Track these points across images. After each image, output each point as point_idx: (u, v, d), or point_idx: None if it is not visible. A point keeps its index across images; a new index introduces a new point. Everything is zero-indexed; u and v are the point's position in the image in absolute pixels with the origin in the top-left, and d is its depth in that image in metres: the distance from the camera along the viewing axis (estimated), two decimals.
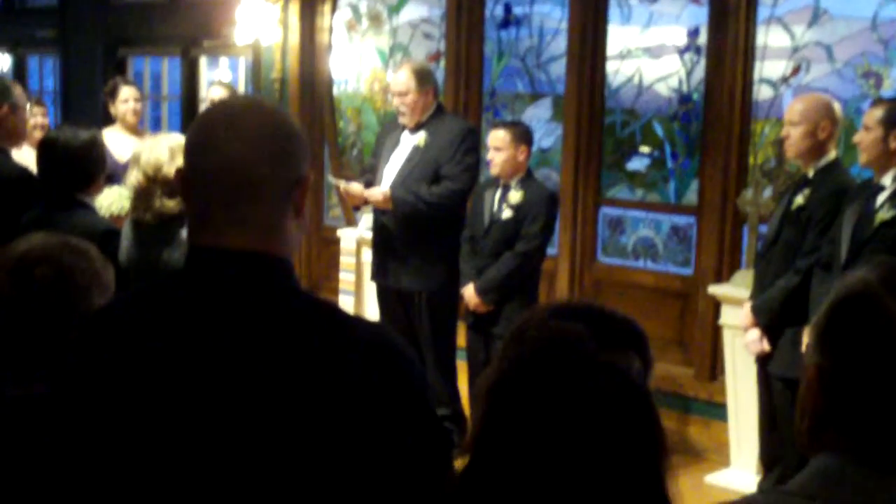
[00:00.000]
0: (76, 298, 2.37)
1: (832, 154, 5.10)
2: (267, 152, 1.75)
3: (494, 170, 5.96)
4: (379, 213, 6.21)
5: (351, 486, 1.66)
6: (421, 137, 6.09)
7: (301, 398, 1.66)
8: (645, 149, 7.14)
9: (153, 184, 4.12)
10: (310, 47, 8.85)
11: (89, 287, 2.40)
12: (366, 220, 7.44)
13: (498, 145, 5.91)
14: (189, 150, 1.81)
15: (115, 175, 5.87)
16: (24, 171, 4.92)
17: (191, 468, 1.67)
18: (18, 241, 2.46)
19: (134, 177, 4.15)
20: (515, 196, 5.90)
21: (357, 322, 1.78)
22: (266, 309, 1.72)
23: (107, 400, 1.74)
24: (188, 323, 1.74)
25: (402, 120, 6.14)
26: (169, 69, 10.76)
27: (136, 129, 7.49)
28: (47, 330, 2.35)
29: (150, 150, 4.15)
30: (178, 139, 4.18)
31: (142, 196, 4.17)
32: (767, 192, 6.15)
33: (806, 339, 4.60)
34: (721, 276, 6.54)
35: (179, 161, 4.05)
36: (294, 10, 8.82)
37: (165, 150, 4.12)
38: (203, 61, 10.23)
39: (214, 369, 1.69)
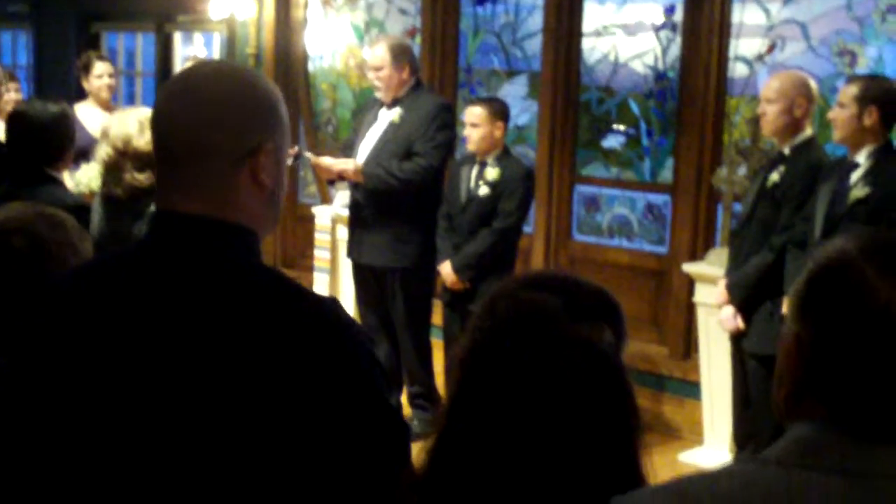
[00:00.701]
0: (52, 269, 2.34)
1: (808, 132, 5.10)
2: (215, 117, 1.73)
3: (471, 146, 5.94)
4: (354, 189, 6.18)
5: (289, 468, 1.63)
6: (396, 113, 6.06)
7: (235, 369, 1.62)
8: (620, 126, 7.13)
9: (123, 157, 4.08)
10: (285, 23, 8.79)
11: (65, 258, 2.38)
12: (341, 196, 7.40)
13: (474, 121, 5.89)
14: (152, 117, 1.81)
15: (88, 150, 5.81)
16: None
17: (130, 440, 1.65)
18: None
19: (104, 150, 4.11)
20: (492, 173, 5.88)
21: (304, 294, 1.74)
22: (205, 275, 1.70)
23: (52, 371, 1.73)
24: (132, 289, 1.72)
25: (379, 95, 6.13)
26: (143, 45, 10.68)
27: (110, 105, 7.45)
28: (21, 301, 2.32)
29: (119, 124, 4.11)
30: (146, 112, 4.14)
31: (112, 170, 4.13)
32: (742, 171, 6.15)
33: (784, 309, 4.61)
34: (695, 255, 6.54)
35: (148, 135, 4.02)
36: None
37: (135, 123, 4.07)
38: (177, 37, 10.16)
39: (147, 339, 1.67)
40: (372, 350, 1.75)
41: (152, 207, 4.05)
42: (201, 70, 1.82)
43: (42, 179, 4.27)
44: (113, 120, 4.19)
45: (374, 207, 6.02)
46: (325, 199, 8.36)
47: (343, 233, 6.81)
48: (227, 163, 1.74)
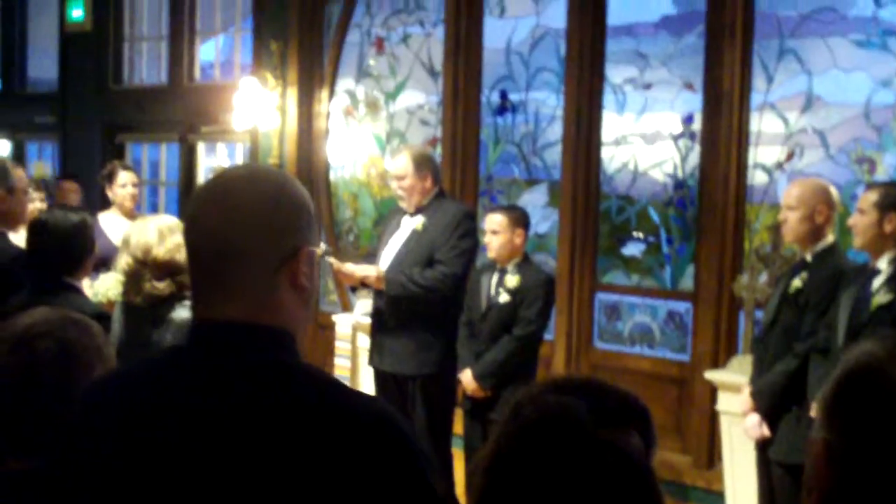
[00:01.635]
0: (78, 373, 2.34)
1: (829, 238, 5.08)
2: (253, 223, 1.73)
3: (491, 253, 5.94)
4: (376, 296, 6.17)
5: None
6: (419, 221, 6.07)
7: (291, 476, 1.61)
8: (640, 234, 7.14)
9: (143, 266, 4.10)
10: (307, 133, 8.90)
11: (91, 362, 2.38)
12: (362, 304, 7.40)
13: (495, 229, 5.90)
14: (184, 221, 1.82)
15: (109, 259, 5.84)
16: (20, 253, 4.89)
17: None
18: (20, 315, 2.44)
19: (124, 259, 4.13)
20: (512, 280, 5.87)
21: (354, 395, 1.73)
22: (255, 380, 1.69)
23: (99, 474, 1.72)
24: (177, 398, 1.71)
25: (402, 204, 6.14)
26: (167, 155, 10.81)
27: (133, 214, 7.48)
28: (49, 404, 2.32)
29: (139, 233, 4.13)
30: (166, 221, 4.17)
31: (132, 278, 4.15)
32: (763, 278, 6.14)
33: (812, 415, 4.57)
34: (717, 362, 6.49)
35: (168, 243, 4.04)
36: (292, 96, 8.89)
37: (154, 232, 4.10)
38: (201, 147, 10.28)
39: (202, 444, 1.66)
40: (423, 447, 1.73)
41: (172, 314, 4.06)
42: (236, 175, 1.82)
43: (62, 288, 4.28)
44: (133, 229, 4.21)
45: (397, 314, 6.00)
46: (346, 307, 8.36)
47: (363, 341, 6.80)
48: (267, 268, 1.74)
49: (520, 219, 5.97)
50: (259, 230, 1.73)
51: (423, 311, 5.94)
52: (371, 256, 6.37)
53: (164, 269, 4.04)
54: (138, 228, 4.19)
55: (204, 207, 1.76)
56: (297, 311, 1.78)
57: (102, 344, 2.48)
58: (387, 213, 6.78)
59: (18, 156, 12.18)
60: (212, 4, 10.18)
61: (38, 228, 4.42)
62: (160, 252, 4.05)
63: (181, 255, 3.99)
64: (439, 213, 6.06)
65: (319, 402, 1.68)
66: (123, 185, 7.44)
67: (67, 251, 4.32)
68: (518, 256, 5.94)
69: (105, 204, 7.67)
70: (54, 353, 2.36)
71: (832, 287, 4.97)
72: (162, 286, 4.10)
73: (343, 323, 7.84)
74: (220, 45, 10.56)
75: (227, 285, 1.74)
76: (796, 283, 5.12)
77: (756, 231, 6.55)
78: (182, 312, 4.05)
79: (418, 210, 6.09)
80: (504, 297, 5.88)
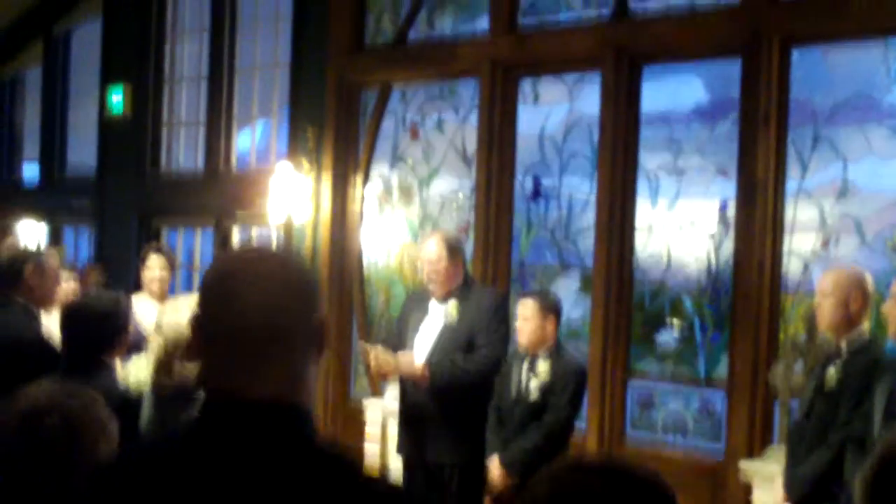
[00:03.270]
0: (83, 449, 2.33)
1: (864, 326, 5.02)
2: (289, 300, 1.75)
3: (522, 340, 5.89)
4: (407, 383, 6.10)
5: None
6: (452, 307, 6.02)
7: None
8: (674, 322, 7.08)
9: (174, 348, 4.10)
10: (341, 219, 8.94)
11: (97, 437, 2.37)
12: (391, 391, 7.36)
13: (526, 315, 5.86)
14: (208, 300, 1.80)
15: (139, 342, 5.84)
16: (39, 337, 4.93)
17: None
18: (26, 391, 2.44)
19: (156, 341, 4.13)
20: (543, 367, 5.82)
21: (378, 481, 1.77)
22: (289, 465, 1.69)
23: None
24: (211, 477, 1.69)
25: (432, 288, 6.08)
26: (202, 240, 10.88)
27: (164, 297, 7.49)
28: (54, 479, 2.30)
29: (170, 315, 4.15)
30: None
31: (164, 361, 4.16)
32: (798, 367, 6.06)
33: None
34: (752, 453, 6.40)
35: None
36: (327, 182, 8.96)
37: (186, 313, 4.10)
38: (235, 233, 10.34)
39: None
40: None
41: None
42: (260, 255, 1.83)
43: (96, 367, 4.29)
44: (165, 311, 4.24)
45: (433, 402, 5.93)
46: (376, 392, 8.32)
47: (393, 427, 6.73)
48: (304, 344, 1.77)
49: (551, 306, 5.92)
50: (299, 307, 1.77)
51: (456, 398, 5.88)
52: (392, 343, 6.30)
53: None
54: (170, 310, 4.21)
55: (235, 286, 1.76)
56: (313, 384, 1.82)
57: (106, 419, 2.48)
58: (407, 299, 6.72)
59: (55, 240, 12.30)
60: (250, 92, 10.31)
61: (72, 308, 4.46)
62: None
63: None
64: (473, 297, 6.03)
65: (349, 488, 1.69)
66: (151, 268, 7.46)
67: (102, 331, 4.34)
68: (549, 344, 5.88)
69: (140, 287, 7.70)
70: (60, 429, 2.36)
71: (867, 377, 4.89)
72: (192, 367, 4.10)
73: (373, 408, 7.80)
74: (257, 132, 10.67)
75: (261, 364, 1.74)
76: (831, 372, 5.04)
77: (791, 320, 6.49)
78: None
79: (447, 295, 6.05)
80: (535, 384, 5.82)
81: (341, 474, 1.71)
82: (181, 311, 4.13)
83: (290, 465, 1.68)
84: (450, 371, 5.84)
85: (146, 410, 4.22)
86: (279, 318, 1.74)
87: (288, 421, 1.73)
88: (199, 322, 1.80)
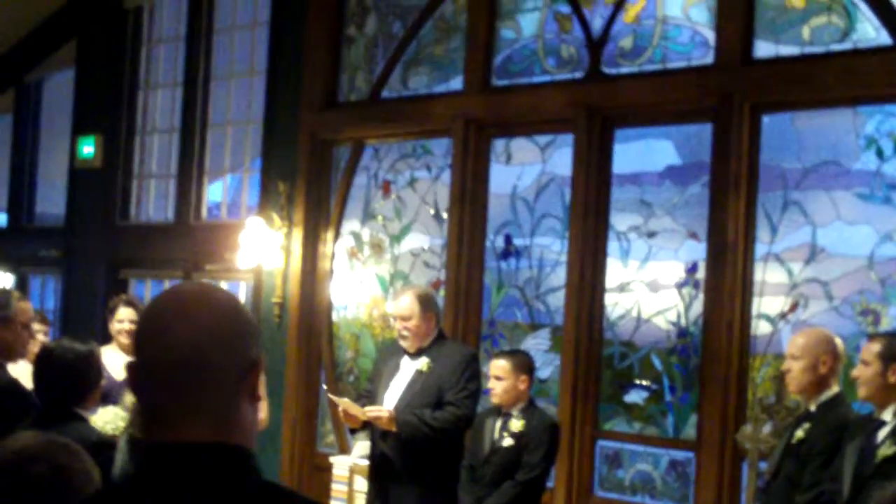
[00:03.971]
0: (71, 497, 2.31)
1: (834, 388, 5.07)
2: (218, 338, 1.72)
3: (495, 399, 5.91)
4: (378, 439, 6.08)
5: None
6: (424, 362, 6.03)
7: None
8: (643, 382, 7.12)
9: None
10: (311, 273, 8.95)
11: (84, 487, 2.36)
12: (360, 447, 7.33)
13: (499, 374, 5.89)
14: (139, 339, 1.77)
15: (110, 393, 5.81)
16: (12, 383, 4.87)
17: None
18: (10, 439, 2.42)
19: (129, 393, 4.10)
20: (517, 424, 5.84)
21: None
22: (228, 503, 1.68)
23: None
24: None
25: (404, 344, 6.09)
26: None
27: (132, 349, 7.45)
28: None
29: None
30: None
31: (135, 412, 4.13)
32: (767, 428, 6.09)
33: None
34: None
35: None
36: (297, 236, 8.97)
37: None
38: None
39: None
40: None
41: None
42: (192, 290, 1.82)
43: (69, 417, 4.26)
44: None
45: (402, 458, 5.91)
46: (343, 449, 8.28)
47: (360, 484, 6.70)
48: (231, 381, 1.74)
49: (524, 364, 5.96)
50: (227, 343, 1.73)
51: (427, 455, 5.87)
52: (365, 398, 6.29)
53: None
54: None
55: (167, 322, 1.73)
56: (251, 424, 1.78)
57: (91, 470, 2.47)
58: (379, 353, 6.74)
59: (21, 289, 12.19)
60: (222, 145, 10.33)
61: (45, 358, 4.42)
62: None
63: None
64: (444, 353, 6.03)
65: None
66: (121, 320, 7.41)
67: (75, 381, 4.31)
68: (523, 401, 5.92)
69: (107, 339, 7.65)
70: (48, 479, 2.34)
71: (836, 438, 4.94)
72: None
73: (340, 465, 7.76)
74: (228, 184, 10.68)
75: (193, 402, 1.71)
76: (799, 433, 5.09)
77: (759, 381, 6.54)
78: None
79: (420, 351, 6.06)
80: (508, 442, 5.84)
81: None
82: None
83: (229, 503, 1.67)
84: (415, 425, 5.83)
85: (118, 461, 4.19)
86: (202, 359, 1.71)
87: (223, 460, 1.70)
88: (135, 364, 1.77)
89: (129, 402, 4.15)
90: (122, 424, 6.03)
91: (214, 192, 10.76)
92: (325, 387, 6.94)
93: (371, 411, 5.93)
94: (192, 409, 1.71)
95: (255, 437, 1.81)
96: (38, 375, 4.47)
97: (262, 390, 1.82)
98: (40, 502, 2.34)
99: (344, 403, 6.08)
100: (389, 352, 6.37)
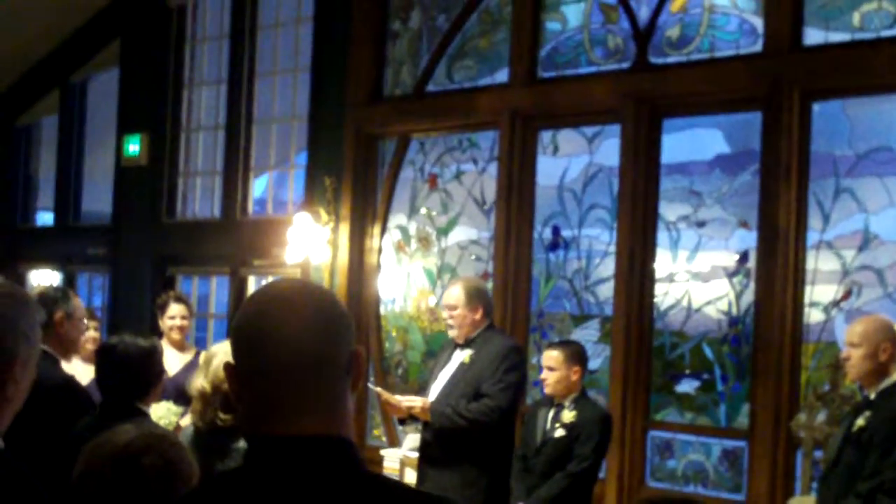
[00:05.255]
0: (180, 489, 2.35)
1: (894, 376, 5.03)
2: (327, 333, 1.75)
3: (548, 389, 5.92)
4: (424, 429, 6.11)
5: None
6: (467, 354, 6.03)
7: None
8: (694, 371, 7.10)
9: (215, 394, 4.08)
10: (358, 267, 8.98)
11: (190, 478, 2.39)
12: (411, 440, 7.35)
13: (551, 365, 5.88)
14: (244, 338, 1.78)
15: (164, 389, 5.85)
16: (69, 380, 4.90)
17: None
18: (113, 432, 2.45)
19: (200, 381, 4.11)
20: (568, 415, 5.84)
21: (435, 499, 1.81)
22: (349, 494, 1.70)
23: None
24: None
25: (451, 334, 6.09)
26: (217, 288, 10.90)
27: (183, 345, 7.50)
28: None
29: (220, 360, 4.11)
30: None
31: (200, 402, 4.14)
32: (821, 417, 6.07)
33: None
34: (774, 503, 6.38)
35: None
36: (344, 231, 9.00)
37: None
38: (251, 280, 10.37)
39: None
40: None
41: (239, 444, 4.04)
42: (296, 286, 1.83)
43: (131, 413, 4.28)
44: (218, 353, 4.18)
45: (443, 448, 5.91)
46: (393, 441, 8.31)
47: (411, 476, 6.72)
48: (341, 376, 1.77)
49: (577, 355, 5.95)
50: (335, 337, 1.76)
51: (469, 445, 5.88)
52: (423, 390, 6.34)
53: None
54: (222, 354, 4.16)
55: (279, 320, 1.74)
56: (351, 416, 1.81)
57: (193, 461, 2.50)
58: (439, 348, 6.77)
59: (68, 287, 12.30)
60: (266, 141, 10.39)
61: (108, 353, 4.45)
62: None
63: None
64: (487, 346, 6.03)
65: None
66: (172, 316, 7.46)
67: (138, 376, 4.34)
68: (575, 392, 5.91)
69: (156, 334, 7.70)
70: (160, 469, 2.38)
71: None
72: (226, 418, 4.07)
73: (391, 458, 7.79)
74: (273, 180, 10.74)
75: (310, 397, 1.74)
76: (860, 422, 5.05)
77: (813, 369, 6.51)
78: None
79: (468, 342, 6.07)
80: (560, 433, 5.84)
81: (406, 499, 1.74)
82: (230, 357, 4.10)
83: (347, 496, 1.70)
84: (448, 416, 5.83)
85: None
86: (316, 353, 1.74)
87: (337, 453, 1.73)
88: (234, 367, 1.79)
89: (196, 387, 4.14)
90: (174, 419, 6.07)
91: (260, 188, 10.82)
92: (371, 379, 6.97)
93: (406, 400, 5.96)
94: (309, 404, 1.74)
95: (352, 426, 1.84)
96: (100, 370, 4.50)
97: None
98: (153, 492, 2.37)
99: (383, 394, 6.11)
100: (445, 345, 6.39)
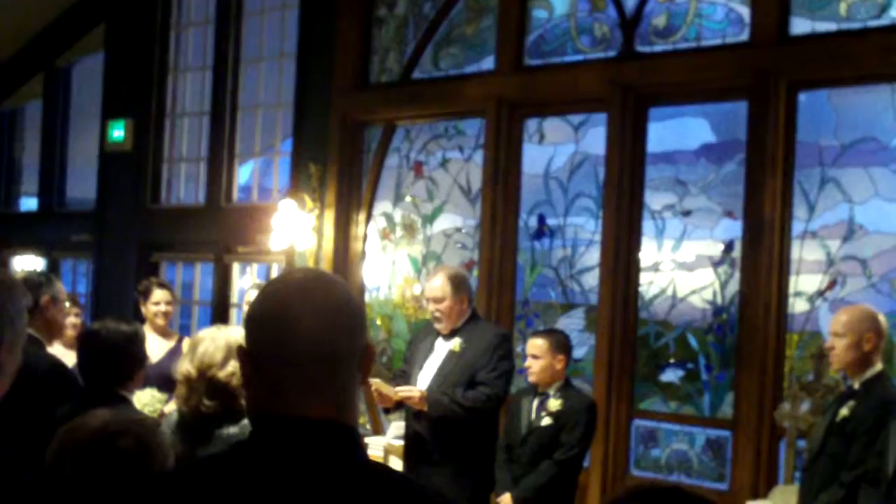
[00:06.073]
0: (154, 470, 2.34)
1: (878, 366, 5.04)
2: (341, 325, 1.79)
3: (532, 378, 5.91)
4: (412, 420, 6.09)
5: None
6: (456, 343, 6.02)
7: None
8: (679, 361, 7.11)
9: (199, 380, 4.06)
10: (343, 254, 8.96)
11: (164, 461, 2.39)
12: (395, 427, 7.34)
13: (536, 353, 5.88)
14: (260, 324, 1.82)
15: (147, 375, 5.83)
16: (56, 364, 4.88)
17: None
18: (88, 416, 2.45)
19: (185, 366, 4.09)
20: (554, 404, 5.83)
21: (427, 492, 1.83)
22: (344, 479, 1.73)
23: None
24: (268, 494, 1.72)
25: (437, 326, 6.08)
26: (201, 274, 10.87)
27: (166, 331, 7.48)
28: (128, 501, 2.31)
29: (206, 347, 4.09)
30: (237, 339, 4.09)
31: (185, 387, 4.12)
32: (805, 406, 6.08)
33: None
34: (758, 493, 6.40)
35: (231, 366, 4.00)
36: (329, 218, 8.98)
37: (223, 350, 4.04)
38: (235, 267, 10.34)
39: None
40: None
41: (220, 430, 4.02)
42: (306, 276, 1.87)
43: (113, 399, 4.26)
44: (206, 338, 4.16)
45: (436, 438, 5.92)
46: (377, 430, 8.30)
47: (395, 464, 6.71)
48: (353, 367, 1.82)
49: (561, 343, 5.95)
50: (349, 329, 1.81)
51: (461, 435, 5.87)
52: (400, 378, 6.29)
53: (219, 390, 4.00)
54: (209, 340, 4.14)
55: (296, 311, 1.79)
56: (356, 407, 1.86)
57: (168, 444, 2.50)
58: (415, 335, 6.74)
59: (52, 273, 12.25)
60: (251, 127, 10.35)
61: (90, 338, 4.43)
62: (220, 374, 4.00)
63: (237, 381, 3.97)
64: (476, 334, 6.02)
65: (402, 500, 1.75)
66: (157, 302, 7.43)
67: (119, 362, 4.31)
68: (559, 381, 5.91)
69: (139, 321, 7.66)
70: (134, 452, 2.38)
71: (881, 416, 4.92)
72: (210, 405, 4.05)
73: (375, 446, 7.77)
74: (258, 167, 10.71)
75: (321, 385, 1.78)
76: (843, 411, 5.07)
77: (796, 360, 6.52)
78: (231, 429, 4.01)
79: (453, 332, 6.05)
80: (546, 421, 5.83)
81: (399, 490, 1.77)
82: (218, 346, 4.07)
83: (344, 480, 1.73)
84: (446, 405, 5.82)
85: (167, 433, 4.19)
86: (331, 344, 1.78)
87: (340, 437, 1.77)
88: (248, 351, 1.83)
89: (182, 372, 4.11)
90: (159, 406, 6.05)
91: (244, 174, 10.79)
92: None
93: (402, 391, 5.93)
94: (319, 392, 1.79)
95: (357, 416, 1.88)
96: (83, 355, 4.47)
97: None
98: (127, 474, 2.37)
99: (376, 384, 6.06)
100: (423, 332, 6.36)
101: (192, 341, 4.22)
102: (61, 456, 2.44)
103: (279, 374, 1.79)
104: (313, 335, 1.77)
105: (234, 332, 4.15)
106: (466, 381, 5.90)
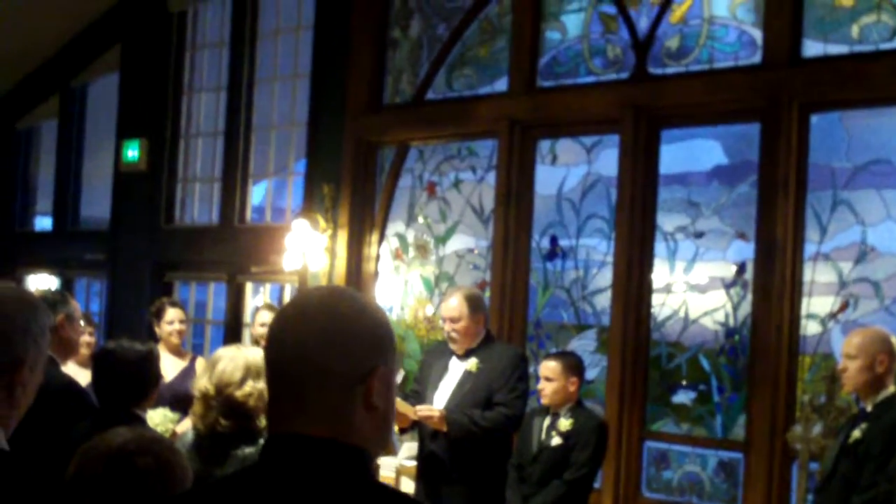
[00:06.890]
0: (174, 491, 2.36)
1: (891, 388, 5.04)
2: (330, 341, 1.78)
3: (545, 399, 5.92)
4: (427, 440, 6.09)
5: None
6: (472, 363, 6.02)
7: None
8: (691, 382, 7.10)
9: (216, 398, 4.09)
10: (356, 275, 8.98)
11: (184, 480, 2.40)
12: (405, 448, 7.34)
13: (549, 375, 5.89)
14: (267, 340, 1.86)
15: (161, 394, 5.85)
16: (71, 383, 4.90)
17: None
18: (108, 434, 2.47)
19: (203, 383, 4.11)
20: (565, 423, 5.84)
21: None
22: (328, 496, 1.73)
23: None
24: None
25: (453, 346, 6.09)
26: (214, 294, 10.91)
27: (180, 350, 7.51)
28: None
29: (226, 366, 4.11)
30: (256, 359, 4.12)
31: (202, 404, 4.14)
32: (817, 429, 6.06)
33: None
34: None
35: (248, 387, 4.02)
36: (342, 238, 9.01)
37: (241, 370, 4.07)
38: (248, 287, 10.37)
39: None
40: None
41: (237, 451, 4.04)
42: (317, 295, 1.89)
43: (127, 418, 4.27)
44: (224, 357, 4.18)
45: (451, 458, 5.91)
46: (389, 451, 8.30)
47: (407, 485, 6.71)
48: (344, 386, 1.79)
49: (574, 366, 5.96)
50: (341, 347, 1.79)
51: (477, 455, 5.88)
52: (412, 398, 6.29)
53: (236, 409, 4.03)
54: (229, 359, 4.15)
55: (285, 325, 1.83)
56: (370, 431, 1.81)
57: (187, 464, 2.52)
58: (426, 354, 6.74)
59: (66, 292, 12.28)
60: (265, 148, 10.40)
61: (105, 358, 4.45)
62: (237, 393, 4.03)
63: (254, 401, 4.00)
64: (493, 354, 6.02)
65: None
66: (170, 321, 7.46)
67: (135, 381, 4.33)
68: (572, 402, 5.92)
69: (152, 339, 7.70)
70: (153, 471, 2.39)
71: (893, 438, 4.91)
72: (226, 424, 4.08)
73: (387, 466, 7.77)
74: (272, 187, 10.75)
75: (301, 399, 1.78)
76: (856, 433, 5.06)
77: (809, 381, 6.51)
78: (247, 450, 4.02)
79: (469, 352, 6.06)
80: (556, 441, 5.84)
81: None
82: (237, 366, 4.10)
83: (342, 499, 1.72)
84: (465, 425, 5.83)
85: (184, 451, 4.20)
86: (318, 362, 1.77)
87: (338, 458, 1.75)
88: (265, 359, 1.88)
89: (200, 388, 4.13)
90: (171, 426, 6.08)
91: (258, 194, 10.83)
92: None
93: (422, 410, 5.93)
94: (301, 405, 1.79)
95: (378, 443, 1.85)
96: (97, 375, 4.49)
97: (379, 400, 1.85)
98: (146, 493, 2.38)
99: (398, 404, 6.06)
100: (437, 352, 6.35)
101: (212, 359, 4.24)
102: (80, 475, 2.45)
103: (274, 391, 1.83)
104: (300, 352, 1.78)
105: (253, 353, 4.18)
106: (483, 401, 5.91)
